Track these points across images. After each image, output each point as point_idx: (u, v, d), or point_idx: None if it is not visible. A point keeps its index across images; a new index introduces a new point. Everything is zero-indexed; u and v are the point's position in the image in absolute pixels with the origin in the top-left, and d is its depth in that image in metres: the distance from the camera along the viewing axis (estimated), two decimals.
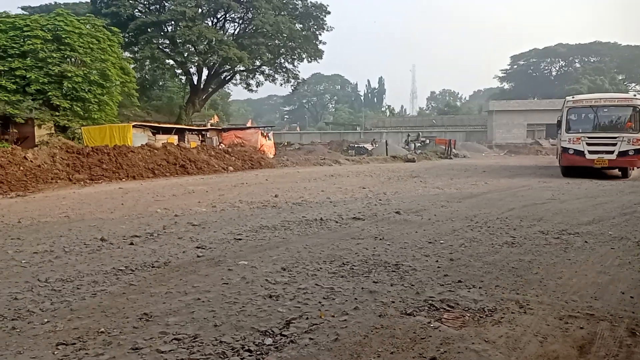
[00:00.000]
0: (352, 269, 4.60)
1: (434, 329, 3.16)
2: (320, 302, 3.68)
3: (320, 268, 4.63)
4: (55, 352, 2.88)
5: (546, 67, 77.83)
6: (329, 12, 37.48)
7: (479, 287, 4.02)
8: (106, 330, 3.19)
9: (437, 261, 4.87)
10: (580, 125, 15.72)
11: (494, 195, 10.62)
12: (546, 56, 75.75)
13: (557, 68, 77.27)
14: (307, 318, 3.37)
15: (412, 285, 4.09)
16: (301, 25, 37.42)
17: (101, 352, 2.87)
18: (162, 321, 3.34)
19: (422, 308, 3.55)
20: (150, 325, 3.26)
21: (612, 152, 14.74)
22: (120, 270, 4.63)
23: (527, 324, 3.24)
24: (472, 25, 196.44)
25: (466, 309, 3.53)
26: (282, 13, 35.85)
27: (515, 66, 77.89)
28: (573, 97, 16.35)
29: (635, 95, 16.73)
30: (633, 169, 15.51)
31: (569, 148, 15.40)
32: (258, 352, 2.85)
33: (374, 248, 5.44)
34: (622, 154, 14.65)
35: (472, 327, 3.20)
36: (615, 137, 14.79)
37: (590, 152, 14.97)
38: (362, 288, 4.01)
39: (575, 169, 15.52)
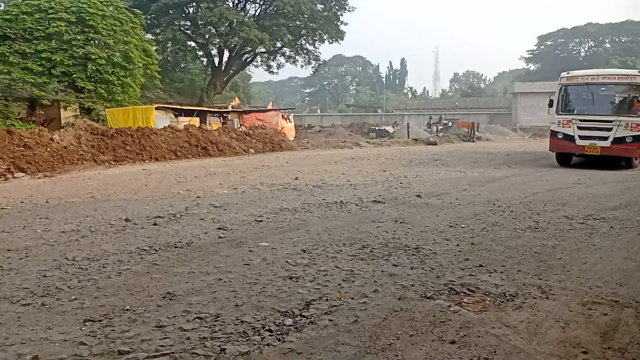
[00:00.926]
0: (372, 251, 4.60)
1: (453, 313, 3.15)
2: (339, 284, 3.70)
3: (340, 250, 4.65)
4: (83, 328, 2.97)
5: (574, 48, 75.33)
6: None
7: (501, 272, 3.98)
8: (131, 308, 3.27)
9: (458, 245, 4.83)
10: (573, 106, 13.76)
11: (517, 179, 10.44)
12: (575, 36, 73.25)
13: (586, 48, 74.71)
14: (326, 300, 3.39)
15: (432, 268, 4.08)
16: (322, 6, 36.97)
17: (126, 329, 2.95)
18: (184, 300, 3.41)
19: (442, 292, 3.54)
20: (174, 304, 3.34)
21: (605, 139, 12.66)
22: (144, 250, 4.73)
23: (549, 310, 3.21)
24: (499, 4, 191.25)
25: (487, 293, 3.51)
26: None
27: (542, 47, 75.55)
28: (568, 73, 14.02)
29: None
30: (638, 159, 13.15)
31: (558, 132, 13.42)
32: (278, 332, 2.89)
33: (394, 231, 5.43)
34: (618, 140, 12.54)
35: (493, 311, 3.18)
36: (610, 121, 12.67)
37: (581, 137, 12.96)
38: (382, 271, 4.01)
39: (570, 156, 13.79)
